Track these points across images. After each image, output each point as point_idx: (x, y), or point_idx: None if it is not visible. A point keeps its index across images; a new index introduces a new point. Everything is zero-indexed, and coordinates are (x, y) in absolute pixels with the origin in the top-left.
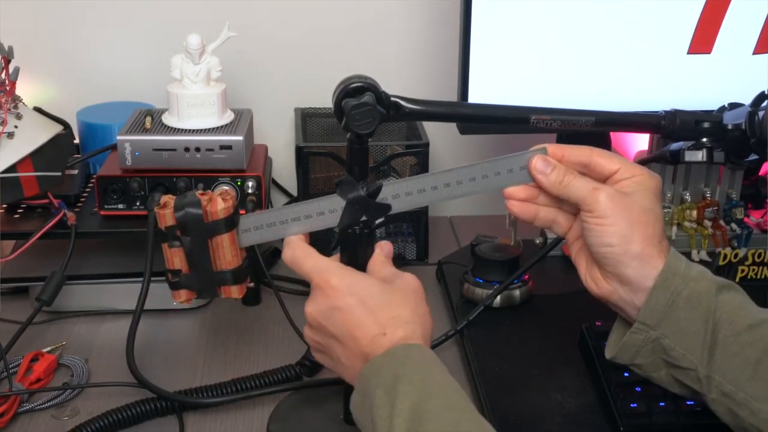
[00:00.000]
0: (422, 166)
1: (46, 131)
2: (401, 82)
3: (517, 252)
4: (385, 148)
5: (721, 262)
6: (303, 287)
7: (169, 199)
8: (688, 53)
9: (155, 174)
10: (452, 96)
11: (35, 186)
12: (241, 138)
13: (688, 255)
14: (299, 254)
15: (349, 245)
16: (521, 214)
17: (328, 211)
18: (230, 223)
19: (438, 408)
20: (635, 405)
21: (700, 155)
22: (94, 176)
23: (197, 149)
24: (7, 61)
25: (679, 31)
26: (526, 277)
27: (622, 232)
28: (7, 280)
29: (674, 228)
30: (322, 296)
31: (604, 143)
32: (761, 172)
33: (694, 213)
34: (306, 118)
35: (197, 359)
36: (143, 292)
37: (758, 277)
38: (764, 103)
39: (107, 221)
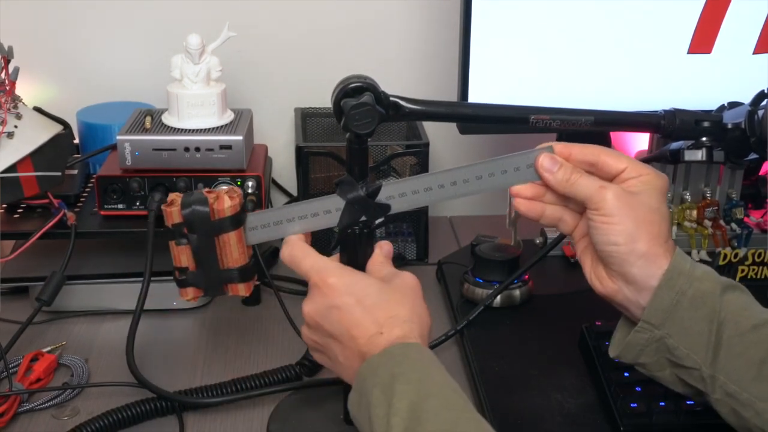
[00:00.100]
0: (422, 166)
1: (46, 131)
2: (401, 82)
3: (517, 252)
4: (385, 148)
5: (721, 262)
6: (303, 287)
7: (176, 197)
8: (688, 53)
9: (155, 174)
10: (452, 96)
11: (35, 186)
12: (241, 138)
13: (688, 255)
14: (297, 253)
15: (348, 245)
16: (528, 212)
17: (335, 209)
18: (237, 220)
19: (436, 407)
20: (635, 405)
21: (699, 155)
22: (94, 176)
23: (197, 149)
24: (7, 61)
25: (679, 31)
26: (526, 277)
27: (628, 231)
28: (7, 280)
29: (674, 228)
30: (320, 295)
31: (604, 143)
32: (761, 172)
33: (694, 213)
34: (306, 118)
35: (197, 359)
36: (143, 292)
37: (758, 277)
38: (764, 102)
39: (107, 221)
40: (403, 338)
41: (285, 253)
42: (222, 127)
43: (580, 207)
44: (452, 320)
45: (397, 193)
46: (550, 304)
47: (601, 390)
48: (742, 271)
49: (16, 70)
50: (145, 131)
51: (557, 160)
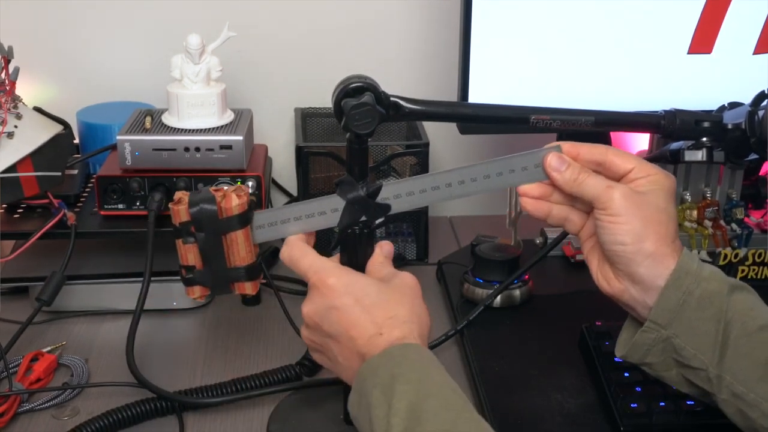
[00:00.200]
0: (422, 166)
1: (46, 131)
2: (401, 82)
3: (517, 252)
4: (385, 148)
5: (721, 262)
6: (303, 287)
7: (183, 195)
8: (688, 53)
9: (155, 174)
10: (452, 96)
11: (35, 186)
12: (241, 138)
13: None
14: (296, 253)
15: (349, 245)
16: (535, 211)
17: (342, 208)
18: (244, 219)
19: (435, 407)
20: (635, 405)
21: (700, 155)
22: (94, 176)
23: (197, 149)
24: (7, 61)
25: (679, 31)
26: (526, 277)
27: (636, 230)
28: (7, 280)
29: None
30: (319, 296)
31: (604, 143)
32: (761, 172)
33: (695, 213)
34: (306, 118)
35: (197, 359)
36: (143, 292)
37: (758, 277)
38: (764, 103)
39: (107, 221)
40: (403, 339)
41: (284, 254)
42: (222, 127)
43: (587, 207)
44: (452, 320)
45: (405, 192)
46: (550, 304)
47: (601, 390)
48: (743, 271)
49: (16, 70)
50: (145, 131)
51: (565, 159)
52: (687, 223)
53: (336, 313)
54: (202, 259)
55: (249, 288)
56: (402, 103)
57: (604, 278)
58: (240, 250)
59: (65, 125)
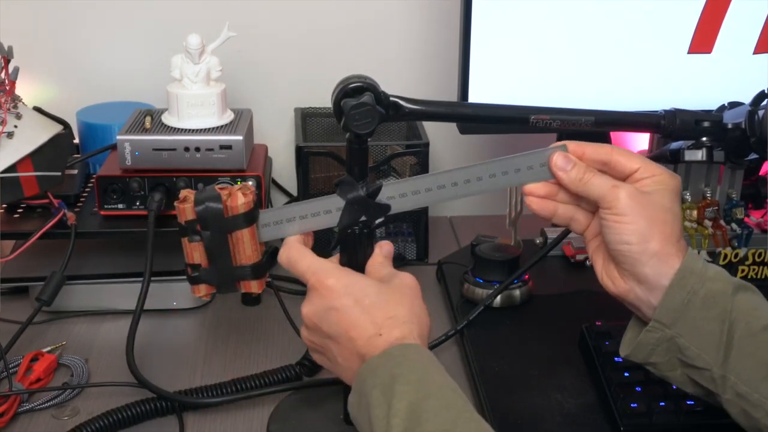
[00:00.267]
0: (422, 166)
1: (46, 131)
2: (401, 82)
3: (517, 252)
4: (385, 148)
5: (721, 262)
6: (303, 287)
7: (188, 194)
8: (688, 53)
9: (155, 174)
10: (452, 96)
11: (35, 186)
12: (240, 138)
13: None
14: (294, 255)
15: (348, 245)
16: (540, 210)
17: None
18: (250, 217)
19: (435, 408)
20: (635, 405)
21: (700, 155)
22: (94, 176)
23: (197, 149)
24: (7, 61)
25: (679, 31)
26: (526, 277)
27: (641, 230)
28: (7, 280)
29: None
30: (318, 297)
31: (604, 143)
32: (761, 172)
33: (695, 213)
34: (306, 118)
35: (197, 359)
36: (143, 292)
37: (758, 277)
38: (764, 103)
39: (107, 221)
40: (402, 339)
41: (282, 255)
42: (222, 127)
43: (592, 206)
44: (452, 320)
45: (411, 191)
46: (550, 304)
47: (601, 390)
48: (743, 271)
49: (16, 70)
50: (145, 131)
51: (571, 158)
52: (687, 223)
53: (335, 313)
54: (207, 257)
55: (255, 286)
56: (402, 103)
57: (609, 278)
58: (246, 248)
59: (65, 125)
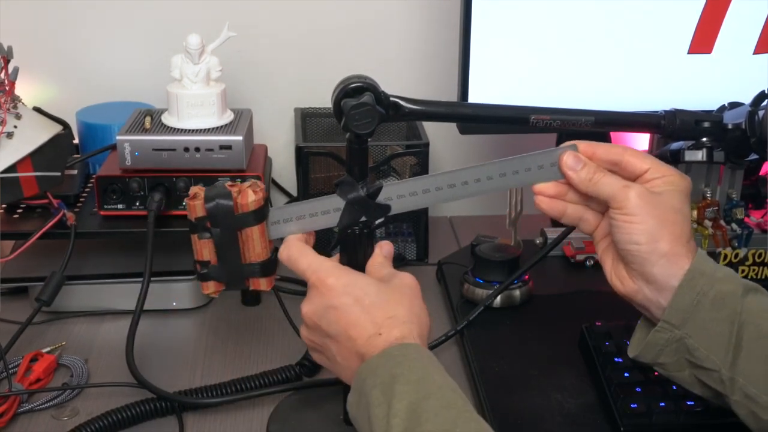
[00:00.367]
0: (422, 166)
1: (46, 131)
2: (401, 82)
3: (517, 252)
4: (385, 148)
5: (721, 263)
6: (302, 287)
7: (198, 190)
8: (688, 53)
9: (155, 174)
10: (452, 96)
11: (35, 186)
12: (240, 138)
13: None
14: (294, 253)
15: (349, 245)
16: (549, 210)
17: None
18: (260, 215)
19: (435, 407)
20: (635, 405)
21: (700, 155)
22: (94, 176)
23: (197, 149)
24: (7, 61)
25: (680, 31)
26: (526, 277)
27: (651, 230)
28: (6, 280)
29: None
30: (318, 296)
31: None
32: (761, 172)
33: (695, 213)
34: (306, 118)
35: (197, 359)
36: (143, 292)
37: (758, 277)
38: (764, 103)
39: (107, 221)
40: (402, 339)
41: (282, 254)
42: (222, 127)
43: (601, 207)
44: (452, 320)
45: (421, 189)
46: (550, 304)
47: (601, 390)
48: (743, 271)
49: (16, 70)
50: (145, 131)
51: (581, 158)
52: None
53: (335, 312)
54: (217, 254)
55: (264, 284)
56: (402, 103)
57: (618, 278)
58: (255, 246)
59: (65, 125)
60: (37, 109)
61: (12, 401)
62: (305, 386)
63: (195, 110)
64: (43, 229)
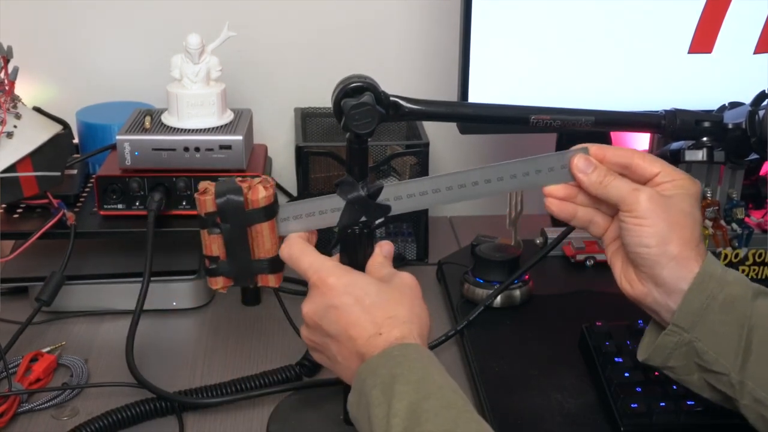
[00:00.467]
0: (422, 166)
1: (46, 131)
2: (401, 82)
3: (517, 252)
4: (385, 148)
5: (721, 262)
6: (302, 287)
7: (209, 185)
8: (688, 53)
9: (155, 174)
10: (452, 96)
11: (34, 186)
12: (240, 138)
13: None
14: (296, 252)
15: (349, 245)
16: (559, 213)
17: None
18: (270, 211)
19: (436, 407)
20: (635, 405)
21: (700, 155)
22: (94, 176)
23: (197, 149)
24: (7, 61)
25: (680, 31)
26: (527, 277)
27: (661, 233)
28: (6, 280)
29: None
30: (319, 295)
31: (605, 143)
32: (762, 172)
33: None
34: (306, 118)
35: (197, 359)
36: (143, 292)
37: (759, 277)
38: (764, 103)
39: (107, 221)
40: (402, 339)
41: (284, 252)
42: (222, 127)
43: (611, 210)
44: (452, 320)
45: (431, 189)
46: (550, 304)
47: (601, 390)
48: (743, 271)
49: (16, 70)
50: (145, 131)
51: (592, 161)
52: None
53: (335, 312)
54: (226, 250)
55: (272, 280)
56: (402, 102)
57: (628, 281)
58: (265, 242)
59: (65, 125)
60: (37, 109)
61: (12, 401)
62: (305, 386)
63: (195, 110)
64: (43, 229)
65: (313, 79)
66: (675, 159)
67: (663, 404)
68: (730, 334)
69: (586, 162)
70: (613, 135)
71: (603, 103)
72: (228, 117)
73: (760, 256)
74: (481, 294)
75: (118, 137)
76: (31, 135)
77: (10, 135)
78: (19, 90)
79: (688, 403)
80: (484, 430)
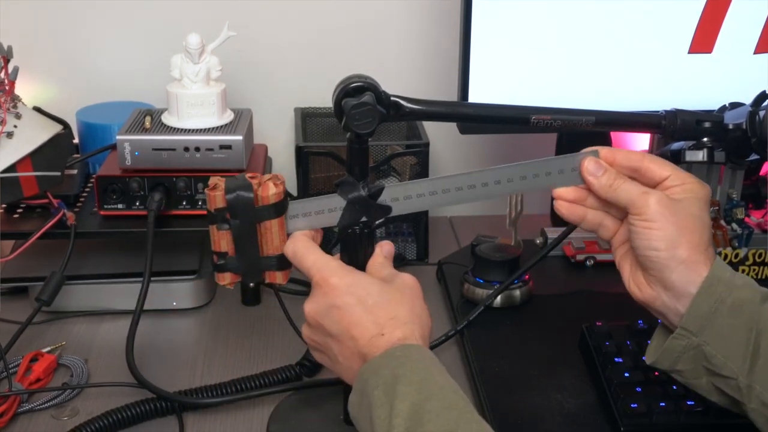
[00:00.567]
0: (422, 166)
1: (46, 131)
2: (401, 82)
3: (517, 252)
4: (385, 147)
5: None
6: (303, 287)
7: (218, 181)
8: (688, 53)
9: (155, 174)
10: (452, 96)
11: (35, 186)
12: (240, 138)
13: None
14: (300, 249)
15: (349, 245)
16: (569, 215)
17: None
18: (280, 208)
19: (437, 408)
20: (635, 405)
21: (701, 155)
22: (94, 176)
23: (197, 149)
24: (7, 61)
25: (680, 31)
26: (527, 277)
27: (670, 236)
28: (6, 280)
29: None
30: (321, 294)
31: (605, 143)
32: (762, 172)
33: None
34: (306, 118)
35: (197, 359)
36: (143, 292)
37: (759, 277)
38: (765, 103)
39: (107, 221)
40: (404, 340)
41: (288, 249)
42: (222, 127)
43: (621, 213)
44: (452, 320)
45: (441, 189)
46: (550, 304)
47: (601, 390)
48: (743, 271)
49: (16, 70)
50: (145, 131)
51: (602, 164)
52: None
53: (337, 312)
54: (235, 246)
55: (280, 277)
56: (402, 102)
57: (636, 285)
58: (274, 239)
59: (65, 125)
60: (37, 109)
61: (12, 401)
62: (305, 386)
63: (195, 110)
64: (43, 229)
65: (313, 79)
66: (675, 159)
67: (663, 404)
68: (738, 338)
69: (596, 165)
70: (614, 135)
71: (603, 103)
72: (228, 117)
73: (760, 256)
74: (481, 294)
75: (118, 137)
76: (31, 135)
77: (10, 135)
78: (19, 90)
79: (688, 403)
80: (485, 430)
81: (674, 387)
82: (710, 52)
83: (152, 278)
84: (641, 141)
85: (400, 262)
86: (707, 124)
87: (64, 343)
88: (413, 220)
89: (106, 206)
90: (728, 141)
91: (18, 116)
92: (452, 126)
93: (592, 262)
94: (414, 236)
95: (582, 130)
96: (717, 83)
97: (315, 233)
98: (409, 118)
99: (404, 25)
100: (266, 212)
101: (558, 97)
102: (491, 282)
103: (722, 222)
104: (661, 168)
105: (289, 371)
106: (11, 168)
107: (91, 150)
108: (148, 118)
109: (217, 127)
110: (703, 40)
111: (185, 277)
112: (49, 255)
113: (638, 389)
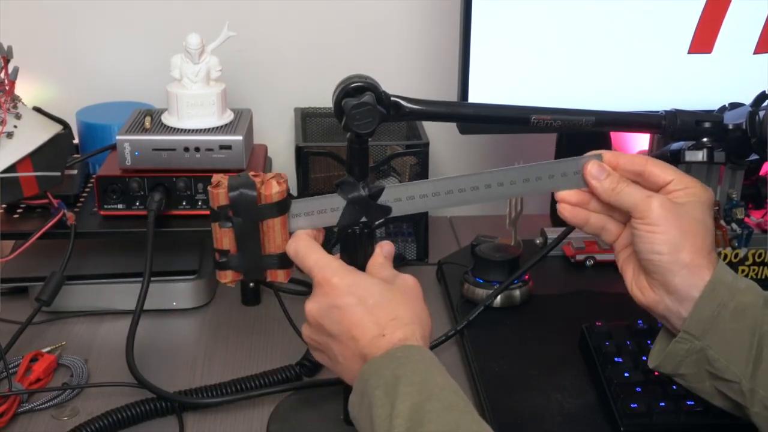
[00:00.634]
0: (422, 166)
1: (46, 131)
2: (401, 82)
3: (517, 252)
4: (385, 148)
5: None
6: (303, 287)
7: (222, 179)
8: (688, 53)
9: (155, 174)
10: (452, 96)
11: (35, 186)
12: (240, 138)
13: None
14: (302, 248)
15: (349, 245)
16: (572, 218)
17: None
18: (283, 206)
19: (438, 409)
20: (635, 405)
21: (700, 155)
22: (94, 176)
23: (197, 149)
24: (7, 61)
25: (680, 31)
26: (527, 277)
27: (673, 240)
28: (6, 280)
29: None
30: (322, 294)
31: (605, 143)
32: (762, 172)
33: None
34: (306, 118)
35: (197, 359)
36: (143, 292)
37: (759, 277)
38: (765, 103)
39: (107, 221)
40: (405, 340)
41: (290, 247)
42: (222, 127)
43: (623, 217)
44: (452, 320)
45: (444, 190)
46: (550, 304)
47: (601, 390)
48: (743, 271)
49: (16, 70)
50: (145, 131)
51: (605, 168)
52: None
53: (338, 312)
54: (237, 244)
55: (281, 276)
56: (402, 102)
57: (639, 289)
58: (276, 237)
59: (65, 125)
60: (37, 109)
61: (12, 401)
62: (305, 386)
63: (195, 110)
64: (43, 229)
65: (313, 79)
66: (675, 159)
67: (663, 404)
68: (741, 342)
69: (599, 168)
70: (613, 135)
71: (603, 103)
72: (228, 117)
73: (759, 256)
74: (481, 294)
75: (118, 137)
76: (31, 135)
77: (10, 135)
78: (19, 90)
79: (688, 403)
80: (485, 431)
81: (674, 387)
82: (710, 52)
83: (152, 278)
84: (641, 141)
85: (400, 262)
86: (707, 125)
87: (64, 343)
88: (413, 220)
89: (106, 206)
90: (728, 141)
91: (18, 116)
92: (452, 126)
93: (591, 262)
94: (414, 236)
95: (582, 130)
96: (717, 83)
97: (317, 232)
98: (409, 118)
99: (404, 25)
100: (269, 210)
101: (558, 97)
102: (491, 282)
103: (722, 222)
104: (664, 172)
105: (289, 371)
106: (11, 168)
107: (91, 150)
108: (148, 118)
109: (217, 128)
110: (703, 40)
111: (185, 277)
112: (49, 255)
113: (638, 389)
